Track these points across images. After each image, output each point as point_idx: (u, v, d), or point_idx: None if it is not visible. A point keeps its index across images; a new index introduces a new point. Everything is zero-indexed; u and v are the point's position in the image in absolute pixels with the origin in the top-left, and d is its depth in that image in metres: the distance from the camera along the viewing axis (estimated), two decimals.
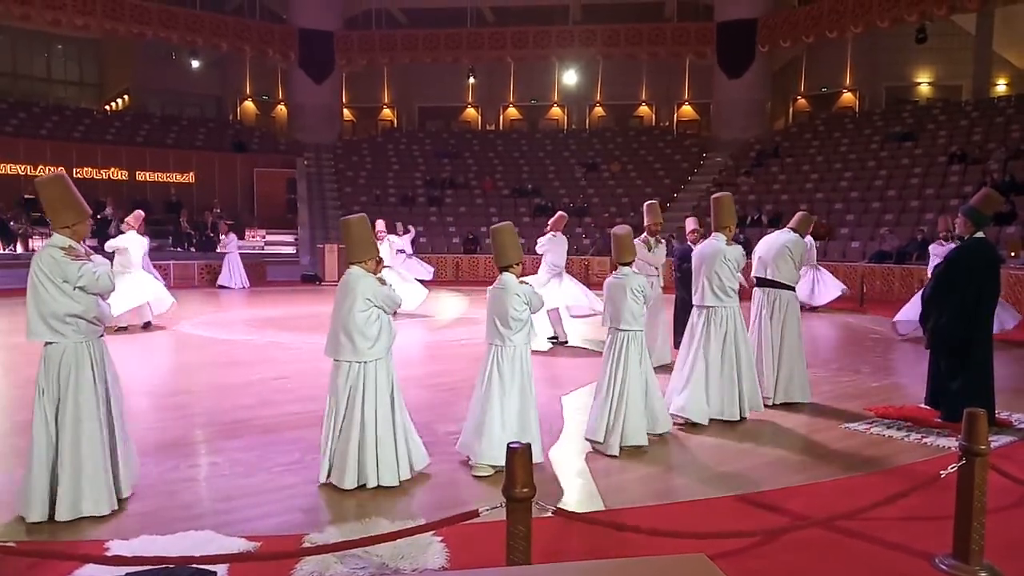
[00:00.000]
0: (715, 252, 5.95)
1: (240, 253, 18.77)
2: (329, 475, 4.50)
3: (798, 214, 7.02)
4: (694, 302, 6.09)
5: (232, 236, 18.08)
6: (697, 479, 4.81)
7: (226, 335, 10.58)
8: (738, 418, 5.93)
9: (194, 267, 18.83)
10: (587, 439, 5.32)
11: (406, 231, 18.28)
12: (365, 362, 4.43)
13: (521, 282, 4.86)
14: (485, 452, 4.65)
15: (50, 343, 3.94)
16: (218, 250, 17.89)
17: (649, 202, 8.82)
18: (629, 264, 5.38)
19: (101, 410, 4.02)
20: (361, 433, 4.40)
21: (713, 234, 6.11)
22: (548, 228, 9.58)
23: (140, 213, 10.77)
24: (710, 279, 5.92)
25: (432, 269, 17.74)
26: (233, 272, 17.60)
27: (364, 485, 4.41)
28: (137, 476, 4.34)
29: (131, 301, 10.02)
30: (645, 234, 8.46)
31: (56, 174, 4.10)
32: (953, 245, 8.38)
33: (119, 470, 4.13)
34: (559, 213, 9.90)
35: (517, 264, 4.85)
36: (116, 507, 4.05)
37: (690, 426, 5.80)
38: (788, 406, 6.47)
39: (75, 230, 4.00)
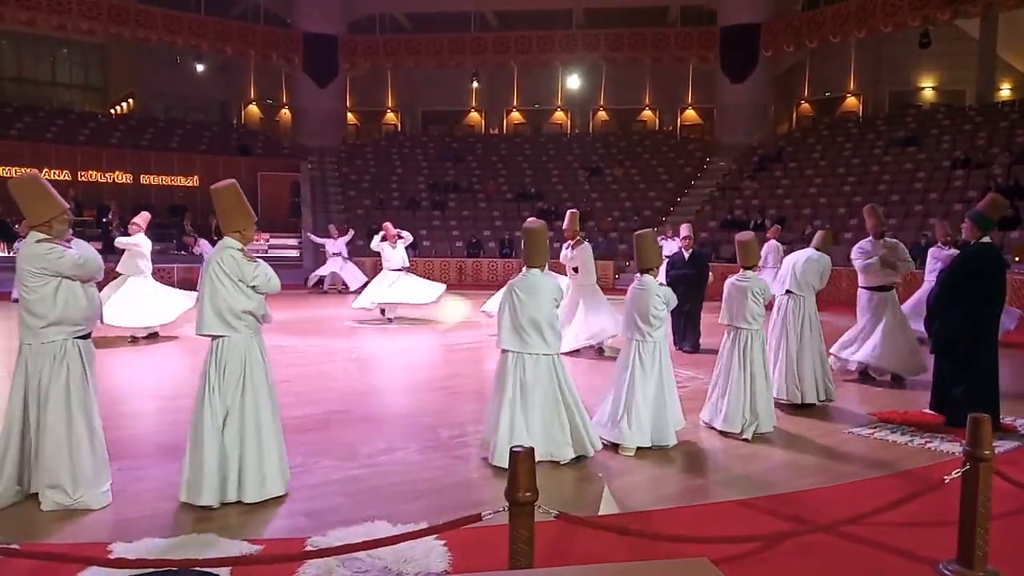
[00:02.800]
0: (813, 256, 6.86)
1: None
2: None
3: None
4: (776, 292, 6.82)
5: (203, 242, 17.97)
6: (700, 483, 4.81)
7: None
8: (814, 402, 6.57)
9: (198, 271, 18.87)
10: (719, 430, 5.75)
11: (343, 233, 18.16)
12: (551, 355, 4.89)
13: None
14: (632, 436, 5.21)
15: (220, 337, 4.20)
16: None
17: (571, 210, 9.46)
18: (752, 268, 5.91)
19: (271, 398, 4.32)
20: (561, 415, 4.87)
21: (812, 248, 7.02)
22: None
23: (147, 215, 10.60)
24: (796, 272, 6.76)
25: (364, 278, 17.68)
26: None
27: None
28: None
29: (161, 317, 9.98)
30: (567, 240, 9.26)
31: (230, 182, 4.37)
32: (951, 251, 8.49)
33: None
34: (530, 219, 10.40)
35: (656, 267, 5.50)
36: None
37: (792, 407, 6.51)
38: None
39: (244, 234, 4.32)
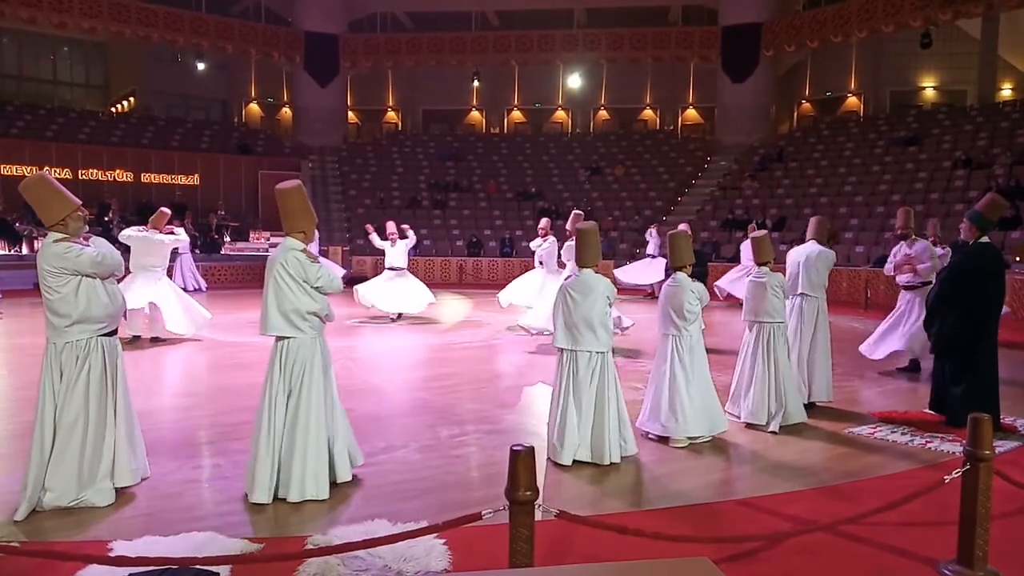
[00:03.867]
0: (819, 252, 6.83)
1: (244, 254, 18.64)
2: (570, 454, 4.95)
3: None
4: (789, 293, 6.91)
5: (179, 231, 17.74)
6: (700, 483, 4.80)
7: (230, 337, 10.60)
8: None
9: (199, 269, 18.84)
10: (747, 423, 5.92)
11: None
12: (603, 352, 4.98)
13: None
14: (680, 427, 5.38)
15: (285, 337, 4.29)
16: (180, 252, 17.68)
17: (575, 211, 10.07)
18: (767, 264, 6.09)
19: (326, 400, 4.38)
20: (608, 413, 4.93)
21: (812, 241, 6.97)
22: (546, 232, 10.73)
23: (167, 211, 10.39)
24: (809, 273, 6.81)
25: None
26: (185, 274, 17.32)
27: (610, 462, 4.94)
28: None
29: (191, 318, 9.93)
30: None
31: (296, 183, 4.45)
32: (941, 250, 8.62)
33: (335, 459, 4.45)
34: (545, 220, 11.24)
35: (689, 265, 5.62)
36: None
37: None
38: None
39: (307, 234, 4.43)
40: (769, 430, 5.76)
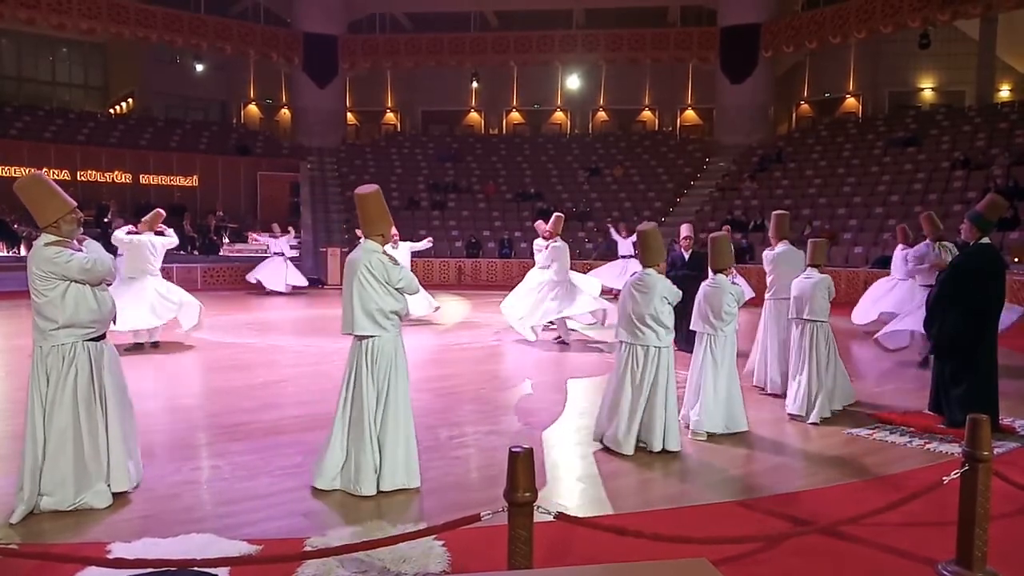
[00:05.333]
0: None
1: (243, 255, 18.52)
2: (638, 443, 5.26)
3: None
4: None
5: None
6: (700, 484, 4.81)
7: (229, 339, 10.60)
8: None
9: (197, 270, 18.86)
10: (789, 414, 6.23)
11: (285, 232, 17.82)
12: (660, 347, 5.25)
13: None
14: (702, 422, 5.63)
15: (369, 336, 4.41)
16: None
17: (556, 214, 10.07)
18: (819, 267, 6.37)
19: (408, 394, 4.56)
20: (659, 400, 5.20)
21: (783, 242, 7.37)
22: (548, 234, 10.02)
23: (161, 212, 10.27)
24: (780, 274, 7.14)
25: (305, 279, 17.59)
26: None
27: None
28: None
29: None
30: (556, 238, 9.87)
31: (375, 188, 4.55)
32: (912, 250, 8.87)
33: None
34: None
35: (729, 268, 5.93)
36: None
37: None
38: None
39: (384, 237, 4.54)
40: (809, 421, 6.04)
